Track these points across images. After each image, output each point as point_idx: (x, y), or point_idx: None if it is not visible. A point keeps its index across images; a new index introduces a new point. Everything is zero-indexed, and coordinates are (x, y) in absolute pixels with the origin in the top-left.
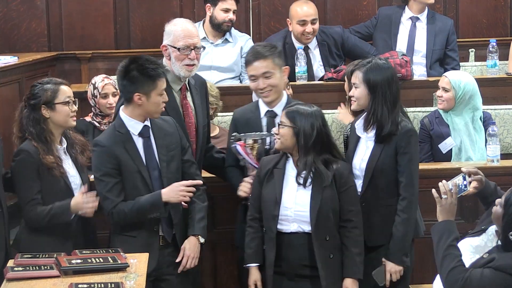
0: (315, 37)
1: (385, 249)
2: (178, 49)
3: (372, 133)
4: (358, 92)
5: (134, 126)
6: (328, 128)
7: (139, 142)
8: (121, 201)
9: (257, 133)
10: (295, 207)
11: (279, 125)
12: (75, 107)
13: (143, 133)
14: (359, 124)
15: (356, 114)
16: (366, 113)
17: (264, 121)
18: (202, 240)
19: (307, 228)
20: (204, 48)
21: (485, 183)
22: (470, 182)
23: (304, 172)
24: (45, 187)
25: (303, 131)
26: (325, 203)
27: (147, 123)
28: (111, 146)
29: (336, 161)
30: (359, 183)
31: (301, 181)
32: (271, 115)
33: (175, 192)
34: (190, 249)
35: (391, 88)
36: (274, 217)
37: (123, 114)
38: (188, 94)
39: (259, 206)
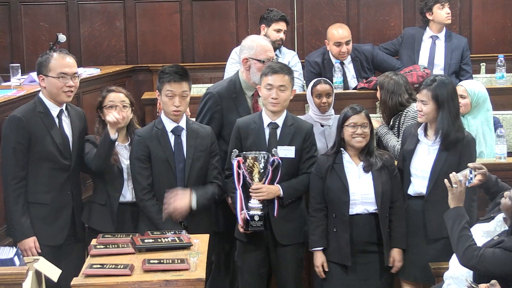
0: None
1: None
2: (263, 61)
3: (436, 141)
4: (427, 108)
5: (168, 124)
6: None
7: (172, 138)
8: (148, 185)
9: (257, 152)
10: (361, 191)
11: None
12: (122, 112)
13: (174, 131)
14: (421, 130)
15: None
16: (434, 124)
17: (267, 132)
18: (194, 205)
19: (371, 208)
20: (275, 57)
21: (488, 177)
22: (475, 176)
23: (371, 159)
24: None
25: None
26: (385, 186)
27: (181, 124)
28: (145, 137)
29: (383, 152)
30: (419, 183)
31: (369, 166)
32: (274, 126)
33: None
34: (181, 197)
35: (454, 101)
36: (346, 203)
37: (162, 112)
38: (259, 99)
39: (321, 198)
